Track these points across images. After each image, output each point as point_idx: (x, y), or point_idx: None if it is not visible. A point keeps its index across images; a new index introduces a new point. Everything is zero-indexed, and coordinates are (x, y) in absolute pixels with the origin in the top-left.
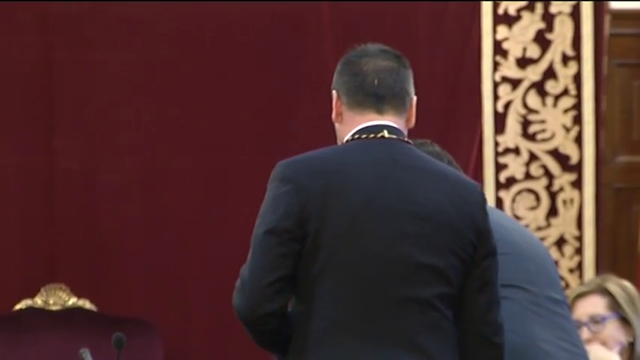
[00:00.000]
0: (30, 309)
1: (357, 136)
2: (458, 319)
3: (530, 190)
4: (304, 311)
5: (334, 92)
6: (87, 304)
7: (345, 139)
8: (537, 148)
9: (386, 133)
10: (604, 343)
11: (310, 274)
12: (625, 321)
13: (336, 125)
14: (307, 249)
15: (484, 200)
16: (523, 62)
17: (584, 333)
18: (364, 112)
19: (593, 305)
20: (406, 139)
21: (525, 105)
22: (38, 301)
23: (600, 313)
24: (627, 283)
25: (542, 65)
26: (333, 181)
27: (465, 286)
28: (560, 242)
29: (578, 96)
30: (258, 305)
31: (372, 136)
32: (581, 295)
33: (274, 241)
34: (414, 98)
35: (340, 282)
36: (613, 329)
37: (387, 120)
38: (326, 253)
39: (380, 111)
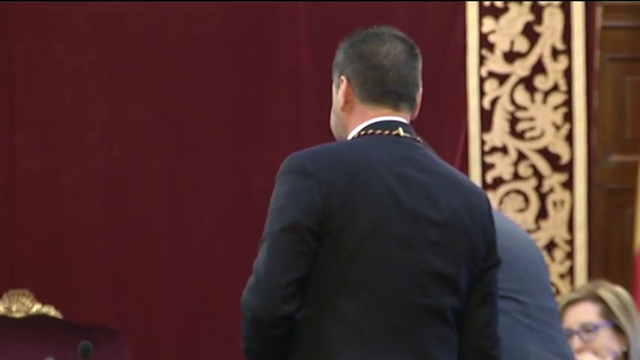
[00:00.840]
0: None
1: (370, 130)
2: (458, 332)
3: (519, 191)
4: (317, 316)
5: (344, 78)
6: (52, 311)
7: (356, 131)
8: (526, 146)
9: (401, 131)
10: (596, 353)
11: (327, 276)
12: (618, 329)
13: (341, 113)
14: (326, 248)
15: (490, 209)
16: (510, 56)
17: (576, 342)
18: (379, 107)
19: (584, 313)
20: (418, 138)
21: (513, 101)
22: (0, 308)
23: (592, 322)
24: (620, 290)
25: (531, 59)
26: (357, 177)
27: (469, 297)
28: (551, 246)
29: (569, 92)
30: (276, 306)
31: (386, 132)
32: (572, 303)
33: (294, 239)
34: (421, 91)
35: (361, 287)
36: (606, 338)
37: (402, 116)
38: (348, 255)
39: (397, 108)
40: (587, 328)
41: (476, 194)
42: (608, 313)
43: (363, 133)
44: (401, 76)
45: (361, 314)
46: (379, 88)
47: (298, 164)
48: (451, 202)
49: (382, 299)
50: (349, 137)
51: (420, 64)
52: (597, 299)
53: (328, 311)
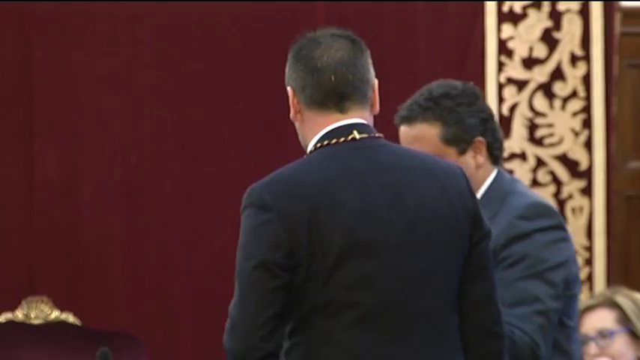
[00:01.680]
0: (10, 323)
1: (325, 142)
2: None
3: None
4: (307, 344)
5: (289, 89)
6: (70, 318)
7: (312, 144)
8: (545, 153)
9: (356, 134)
10: (613, 359)
11: (308, 304)
12: (635, 335)
13: (296, 124)
14: (300, 278)
15: (468, 182)
16: (529, 62)
17: (592, 348)
18: (325, 112)
19: (601, 319)
20: (377, 134)
21: (532, 108)
22: (19, 314)
23: (608, 328)
24: (638, 296)
25: (550, 66)
26: (319, 202)
27: (462, 278)
28: None
29: (588, 98)
30: (255, 347)
31: (342, 139)
32: (589, 309)
33: (264, 276)
34: (376, 82)
35: (343, 307)
36: (622, 344)
37: (352, 117)
38: (323, 279)
39: (342, 109)
40: (604, 334)
41: (448, 174)
42: (624, 319)
43: (319, 145)
44: (338, 76)
45: (348, 334)
46: (319, 92)
47: (257, 198)
48: (423, 194)
49: (366, 314)
50: (308, 151)
51: (366, 58)
52: (614, 305)
53: (315, 337)
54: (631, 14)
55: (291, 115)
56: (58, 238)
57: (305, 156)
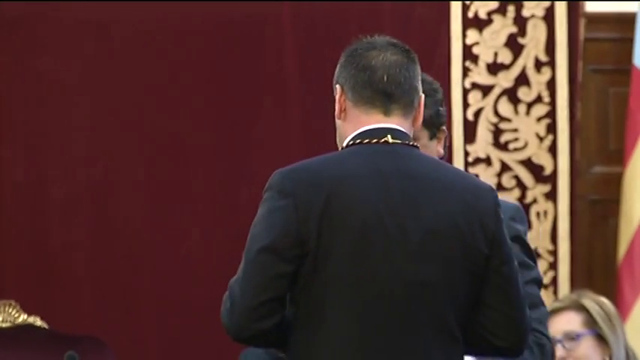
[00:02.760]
0: None
1: (358, 140)
2: (472, 334)
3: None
4: (308, 337)
5: (338, 87)
6: (37, 322)
7: (345, 142)
8: (509, 158)
9: (389, 138)
10: None
11: (313, 296)
12: (601, 338)
13: (338, 122)
14: (307, 269)
15: (497, 205)
16: (494, 68)
17: (559, 350)
18: (371, 110)
19: (568, 322)
20: (412, 142)
21: (497, 113)
22: None
23: (575, 330)
24: (604, 300)
25: (515, 71)
26: (335, 195)
27: (478, 299)
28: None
29: (552, 103)
30: (248, 326)
31: (374, 140)
32: (556, 311)
33: (270, 260)
34: (422, 97)
35: (346, 305)
36: (588, 347)
37: (393, 122)
38: (328, 275)
39: (387, 111)
40: (570, 337)
41: (474, 193)
42: (591, 322)
43: (351, 143)
44: (390, 75)
45: (349, 332)
46: (368, 87)
47: (278, 182)
48: (441, 208)
49: (369, 315)
50: (341, 148)
51: (418, 70)
52: (581, 308)
53: (315, 329)
54: (595, 20)
55: (337, 112)
56: (26, 243)
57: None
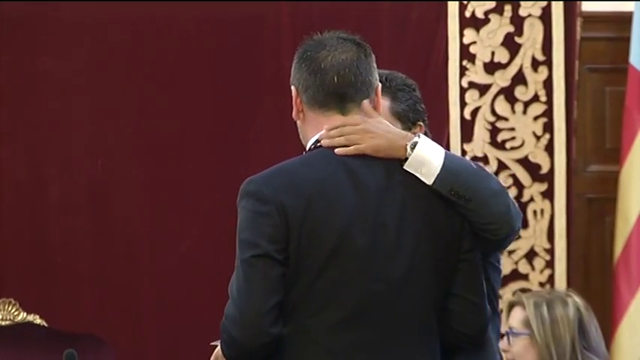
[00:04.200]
0: None
1: (318, 142)
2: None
3: None
4: (289, 339)
5: (293, 88)
6: (37, 320)
7: (311, 142)
8: (506, 156)
9: None
10: (514, 358)
11: (294, 298)
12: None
13: (298, 123)
14: (291, 272)
15: None
16: (491, 67)
17: (503, 343)
18: (327, 112)
19: (513, 317)
20: None
21: (494, 112)
22: None
23: (514, 327)
24: (569, 302)
25: (512, 70)
26: (314, 199)
27: (453, 286)
28: (531, 255)
29: (549, 102)
30: (262, 333)
31: None
32: (512, 305)
33: (268, 265)
34: (379, 86)
35: (326, 306)
36: (522, 346)
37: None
38: (312, 276)
39: (343, 110)
40: (511, 333)
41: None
42: (527, 322)
43: (314, 146)
44: (340, 76)
45: (327, 333)
46: (320, 91)
47: (255, 190)
48: (412, 200)
49: (348, 315)
50: (307, 149)
51: (371, 62)
52: (526, 306)
53: (296, 333)
54: (591, 19)
55: (294, 114)
56: (26, 241)
57: (304, 153)
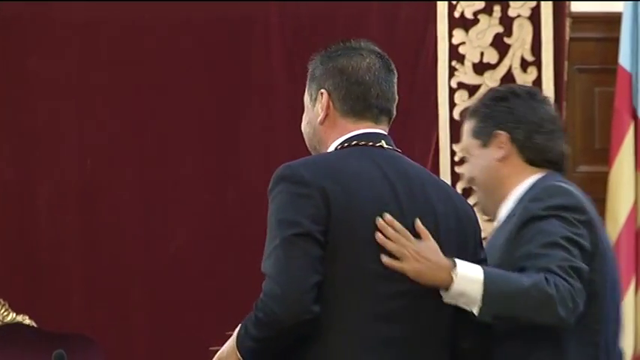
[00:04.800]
0: None
1: (354, 142)
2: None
3: None
4: (321, 326)
5: (324, 92)
6: (26, 320)
7: (338, 142)
8: None
9: (384, 144)
10: None
11: (329, 285)
12: None
13: (319, 127)
14: (326, 258)
15: (474, 211)
16: (480, 68)
17: None
18: (360, 121)
19: None
20: (398, 149)
21: None
22: None
23: None
24: None
25: (501, 71)
26: (351, 187)
27: None
28: None
29: None
30: (304, 310)
31: (370, 143)
32: None
33: (308, 244)
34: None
35: (363, 297)
36: None
37: (381, 129)
38: (349, 264)
39: (377, 121)
40: None
41: (459, 198)
42: None
43: (346, 144)
44: (382, 92)
45: (361, 323)
46: (361, 103)
47: (294, 173)
48: (440, 207)
49: (381, 308)
50: (331, 149)
51: (395, 79)
52: None
53: (329, 319)
54: (581, 20)
55: (320, 118)
56: (14, 241)
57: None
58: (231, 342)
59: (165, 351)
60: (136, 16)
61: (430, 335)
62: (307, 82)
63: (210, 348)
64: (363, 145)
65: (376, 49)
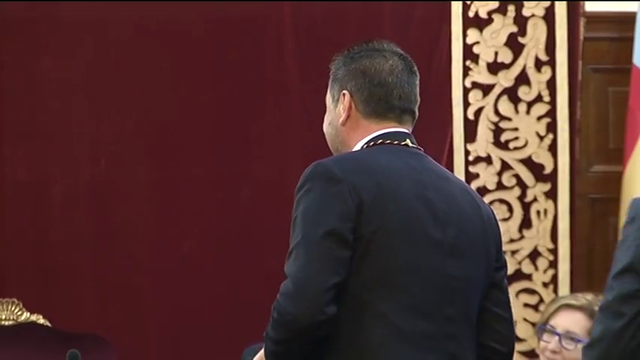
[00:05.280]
0: None
1: (380, 140)
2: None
3: (503, 201)
4: (356, 319)
5: (346, 93)
6: (40, 320)
7: (364, 142)
8: (510, 156)
9: (409, 142)
10: None
11: (363, 279)
12: None
13: (341, 128)
14: (360, 253)
15: (494, 214)
16: (494, 67)
17: (553, 343)
18: (383, 121)
19: (575, 322)
20: (421, 148)
21: (497, 112)
22: None
23: (578, 335)
24: None
25: (515, 70)
26: (383, 183)
27: (486, 297)
28: (534, 255)
29: (552, 102)
30: (320, 311)
31: (396, 142)
32: (570, 307)
33: (334, 244)
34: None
35: (397, 291)
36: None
37: (405, 128)
38: (382, 258)
39: (401, 121)
40: (570, 337)
41: (482, 200)
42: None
43: (372, 143)
44: (404, 94)
45: (399, 316)
46: (384, 104)
47: (325, 170)
48: (467, 207)
49: (417, 302)
50: (359, 147)
51: (418, 81)
52: (593, 316)
53: (366, 314)
54: (595, 19)
55: (342, 119)
56: (28, 241)
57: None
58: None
59: (178, 350)
60: (148, 16)
61: (464, 330)
62: (330, 83)
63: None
64: (388, 143)
65: (399, 50)
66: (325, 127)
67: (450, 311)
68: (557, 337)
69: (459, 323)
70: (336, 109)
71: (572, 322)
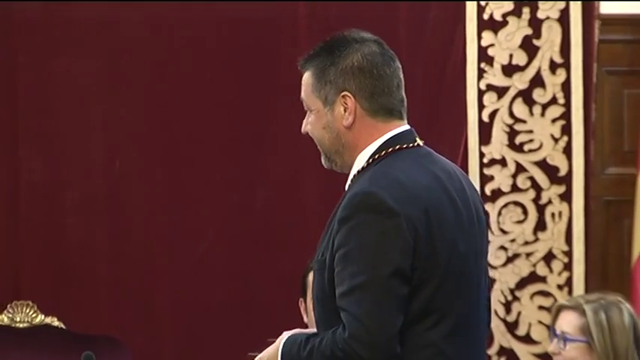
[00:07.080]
0: None
1: (397, 146)
2: None
3: (517, 203)
4: (406, 350)
5: (348, 94)
6: (54, 322)
7: (376, 147)
8: (524, 159)
9: (418, 141)
10: None
11: (412, 309)
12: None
13: (345, 131)
14: (413, 285)
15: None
16: (509, 70)
17: (552, 344)
18: (390, 118)
19: (567, 322)
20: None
21: (512, 114)
22: (4, 318)
23: (569, 334)
24: (623, 309)
25: (529, 73)
26: (428, 209)
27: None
28: (549, 257)
29: (567, 105)
30: (390, 355)
31: (410, 145)
32: (564, 308)
33: (399, 283)
34: None
35: (444, 317)
36: (578, 353)
37: (406, 123)
38: (432, 287)
39: (402, 116)
40: (563, 338)
41: (479, 198)
42: (587, 329)
43: (390, 150)
44: (400, 82)
45: (446, 341)
46: (388, 97)
47: (380, 203)
48: (473, 201)
49: (459, 323)
50: (367, 152)
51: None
52: (583, 314)
53: (415, 343)
54: (609, 21)
55: (347, 122)
56: (43, 243)
57: (378, 157)
58: (272, 350)
59: (192, 352)
60: (163, 17)
61: (482, 336)
62: (313, 86)
63: (250, 354)
64: (404, 147)
65: (370, 35)
66: (317, 130)
67: (479, 321)
68: (555, 340)
69: (481, 330)
70: (333, 112)
71: (565, 322)
